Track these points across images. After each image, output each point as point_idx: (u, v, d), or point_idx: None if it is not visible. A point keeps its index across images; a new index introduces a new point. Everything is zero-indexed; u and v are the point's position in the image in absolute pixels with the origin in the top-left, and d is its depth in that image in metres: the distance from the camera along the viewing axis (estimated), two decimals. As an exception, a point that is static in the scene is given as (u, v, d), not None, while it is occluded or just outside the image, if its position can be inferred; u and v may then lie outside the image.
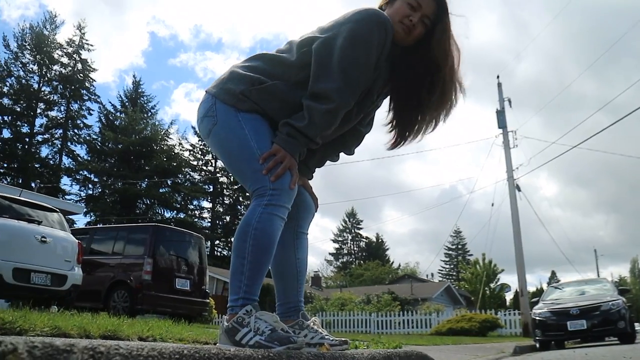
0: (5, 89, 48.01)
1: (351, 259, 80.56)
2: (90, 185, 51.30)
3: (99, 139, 52.73)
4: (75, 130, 52.07)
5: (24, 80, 49.11)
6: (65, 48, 51.78)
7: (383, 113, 2.76)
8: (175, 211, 53.95)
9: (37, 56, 49.66)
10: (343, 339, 2.57)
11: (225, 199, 57.93)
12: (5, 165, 47.41)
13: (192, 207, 56.07)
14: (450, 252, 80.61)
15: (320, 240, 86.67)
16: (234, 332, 2.17)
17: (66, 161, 51.30)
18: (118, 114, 54.36)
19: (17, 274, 8.46)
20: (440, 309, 26.37)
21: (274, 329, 2.14)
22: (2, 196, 9.27)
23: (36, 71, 50.05)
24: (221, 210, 57.71)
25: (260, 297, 2.29)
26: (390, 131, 2.70)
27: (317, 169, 2.86)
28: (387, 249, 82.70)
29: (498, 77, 22.55)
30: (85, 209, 45.75)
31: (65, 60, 51.80)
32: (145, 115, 54.85)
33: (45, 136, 50.67)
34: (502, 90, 22.32)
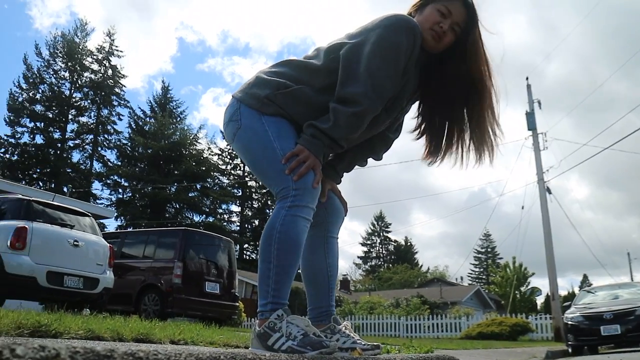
0: (38, 96, 48.97)
1: (380, 263, 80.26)
2: (120, 190, 51.99)
3: (129, 144, 53.40)
4: (106, 136, 52.86)
5: (55, 87, 50.02)
6: (95, 55, 52.66)
7: (411, 120, 2.74)
8: (204, 215, 54.38)
9: (69, 63, 50.54)
10: (375, 344, 2.56)
11: (253, 202, 58.20)
12: (38, 170, 48.27)
13: (221, 211, 56.45)
14: (479, 255, 79.84)
15: (349, 243, 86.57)
16: (266, 337, 2.17)
17: (97, 166, 52.15)
18: (147, 119, 55.00)
19: (51, 277, 8.59)
20: (469, 312, 26.16)
21: (306, 333, 2.14)
22: (36, 201, 9.43)
23: (67, 78, 50.92)
24: (250, 214, 57.98)
25: (289, 300, 2.28)
26: (418, 138, 2.68)
27: (345, 174, 2.85)
28: (416, 252, 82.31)
29: (527, 78, 22.28)
30: (115, 213, 46.40)
31: (95, 66, 52.68)
32: (174, 120, 55.35)
33: (77, 142, 51.52)
34: (531, 92, 22.04)
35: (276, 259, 2.24)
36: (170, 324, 5.41)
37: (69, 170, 49.33)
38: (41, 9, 78.38)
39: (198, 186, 52.20)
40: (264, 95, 2.39)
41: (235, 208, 57.97)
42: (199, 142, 55.21)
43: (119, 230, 28.27)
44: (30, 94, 48.79)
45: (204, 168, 53.83)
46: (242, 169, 56.92)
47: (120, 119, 53.79)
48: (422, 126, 2.67)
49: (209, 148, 56.19)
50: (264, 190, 54.78)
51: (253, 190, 57.16)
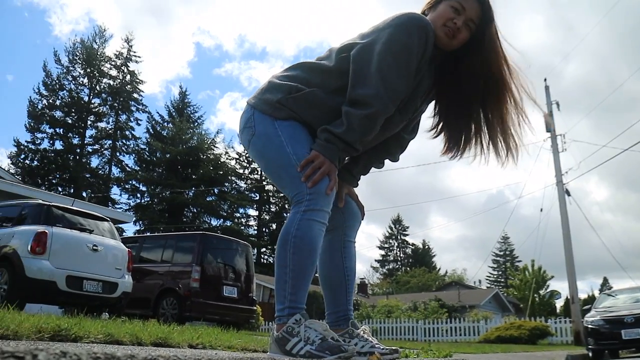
0: (57, 102, 49.51)
1: (397, 266, 79.97)
2: (138, 195, 52.33)
3: (147, 149, 53.76)
4: (124, 141, 53.26)
5: (74, 94, 50.52)
6: (114, 61, 53.12)
7: (427, 119, 2.72)
8: (222, 219, 54.53)
9: (87, 69, 51.04)
10: (393, 348, 2.55)
11: (271, 206, 58.30)
12: (57, 176, 48.75)
13: (238, 215, 56.58)
14: (498, 258, 79.24)
15: (366, 247, 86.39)
16: (284, 341, 2.17)
17: (115, 171, 52.52)
18: (165, 124, 55.30)
19: (70, 282, 8.67)
20: (488, 316, 25.97)
21: (324, 337, 2.13)
22: (56, 206, 9.52)
23: (86, 84, 51.43)
24: (267, 217, 58.08)
25: (307, 304, 2.28)
26: (435, 136, 2.65)
27: (362, 177, 2.84)
28: (434, 255, 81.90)
29: (545, 79, 22.16)
30: (134, 218, 46.66)
31: (114, 72, 53.14)
32: (192, 125, 55.60)
33: (95, 147, 51.96)
34: (549, 93, 21.92)
35: (292, 263, 2.24)
36: (188, 328, 5.43)
37: (87, 176, 49.75)
38: (60, 16, 79.32)
39: (216, 190, 52.43)
40: (276, 100, 2.39)
41: (252, 212, 58.13)
42: (217, 147, 55.48)
43: (137, 235, 28.51)
44: (50, 101, 49.34)
45: (221, 172, 54.00)
46: (259, 173, 57.01)
47: (139, 124, 54.21)
48: (439, 125, 2.64)
49: (227, 152, 56.42)
50: (281, 194, 54.72)
51: (270, 194, 57.24)
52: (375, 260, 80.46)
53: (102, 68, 51.99)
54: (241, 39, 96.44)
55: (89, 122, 51.24)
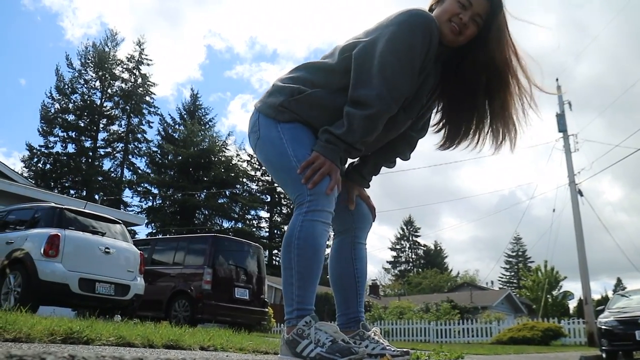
0: (70, 106, 49.85)
1: (409, 267, 79.83)
2: (150, 197, 52.53)
3: (159, 151, 53.99)
4: (136, 144, 53.59)
5: (87, 97, 50.91)
6: (125, 64, 53.47)
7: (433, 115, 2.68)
8: (233, 221, 54.68)
9: (99, 73, 51.43)
10: (404, 350, 2.54)
11: (282, 208, 58.33)
12: (70, 178, 49.06)
13: (250, 217, 56.71)
14: (510, 259, 78.89)
15: (378, 248, 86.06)
16: (294, 344, 2.17)
17: (127, 174, 52.83)
18: (177, 126, 55.56)
19: (83, 284, 8.71)
20: (500, 317, 25.88)
21: (335, 340, 2.12)
22: (68, 209, 9.58)
23: (98, 87, 51.81)
24: (279, 219, 58.12)
25: (319, 305, 2.28)
26: (437, 131, 2.63)
27: (373, 177, 2.81)
28: (446, 256, 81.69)
29: (557, 79, 22.02)
30: (146, 220, 46.90)
31: (125, 75, 53.51)
32: (203, 127, 55.78)
33: (108, 150, 52.35)
34: (561, 94, 21.77)
35: (297, 265, 2.24)
36: (199, 330, 5.44)
37: (100, 179, 50.06)
38: (72, 20, 79.81)
39: (227, 192, 52.56)
40: (279, 103, 2.38)
41: (264, 214, 58.24)
42: (228, 149, 55.63)
43: (149, 237, 28.59)
44: (62, 104, 49.72)
45: (232, 174, 54.15)
46: (270, 175, 56.97)
47: (151, 127, 54.54)
48: (443, 120, 2.61)
49: (238, 154, 56.53)
50: (293, 196, 54.71)
51: (282, 196, 57.26)
52: (387, 262, 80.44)
53: (114, 71, 52.35)
54: (252, 41, 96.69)
55: (101, 125, 51.65)
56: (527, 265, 65.65)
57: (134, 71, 53.69)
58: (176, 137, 54.17)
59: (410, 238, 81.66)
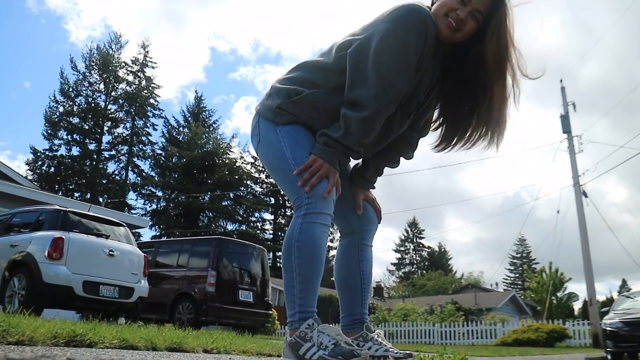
0: (74, 109, 49.95)
1: (413, 269, 79.69)
2: (154, 200, 52.58)
3: (163, 154, 54.05)
4: (140, 146, 53.65)
5: (91, 100, 50.98)
6: (130, 66, 53.57)
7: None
8: (237, 223, 54.65)
9: (104, 75, 51.51)
10: (407, 352, 2.53)
11: (286, 210, 58.28)
12: (74, 181, 49.15)
13: (254, 219, 56.63)
14: (515, 260, 78.75)
15: (382, 250, 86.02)
16: (297, 346, 2.17)
17: (132, 176, 52.89)
18: (181, 129, 55.60)
19: (87, 287, 8.73)
20: (505, 319, 25.82)
21: (337, 342, 2.12)
22: (72, 212, 9.59)
23: (103, 90, 51.92)
24: (283, 222, 58.06)
25: (323, 308, 2.28)
26: (434, 130, 2.59)
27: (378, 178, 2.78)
28: (450, 258, 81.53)
29: (561, 80, 22.00)
30: (150, 223, 46.90)
31: (130, 78, 53.57)
32: (207, 129, 55.82)
33: (112, 152, 52.42)
34: (565, 94, 21.72)
35: (298, 267, 2.24)
36: (203, 333, 5.44)
37: (104, 181, 50.15)
38: (77, 23, 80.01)
39: (231, 195, 52.53)
40: (276, 105, 2.38)
41: (268, 216, 58.19)
42: (232, 151, 55.56)
43: (153, 240, 28.60)
44: (67, 107, 49.79)
45: (237, 177, 54.15)
46: (274, 177, 56.93)
47: (155, 129, 54.57)
48: (440, 118, 2.57)
49: (242, 157, 56.42)
50: (297, 198, 54.67)
51: (286, 198, 57.04)
52: (391, 264, 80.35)
53: (118, 74, 52.43)
54: (256, 43, 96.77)
55: (105, 128, 51.73)
56: (531, 266, 65.57)
57: (139, 74, 53.78)
58: (180, 139, 54.21)
59: (415, 240, 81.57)
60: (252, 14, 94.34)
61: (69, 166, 48.75)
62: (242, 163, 56.10)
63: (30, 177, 41.70)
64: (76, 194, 47.24)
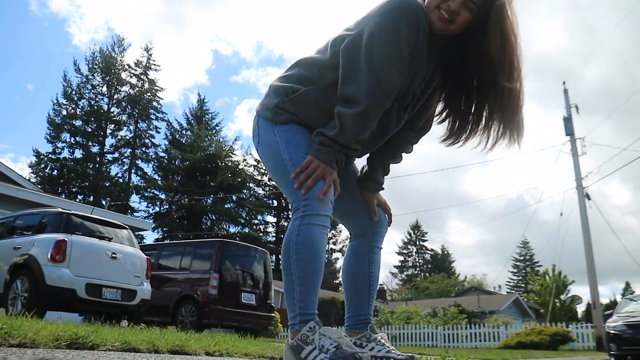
0: (77, 111, 50.06)
1: (416, 272, 79.61)
2: (157, 202, 52.64)
3: (166, 156, 54.11)
4: (143, 149, 53.69)
5: (94, 102, 51.07)
6: (133, 69, 53.62)
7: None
8: (240, 226, 54.64)
9: (107, 78, 51.60)
10: (410, 354, 2.51)
11: (289, 213, 58.26)
12: (77, 184, 49.24)
13: (256, 221, 56.68)
14: (518, 263, 78.66)
15: (385, 252, 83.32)
16: (298, 349, 2.15)
17: (135, 179, 52.95)
18: (184, 131, 55.67)
19: (90, 289, 8.73)
20: (508, 321, 25.80)
21: (339, 345, 2.11)
22: (75, 214, 9.60)
23: (106, 93, 51.96)
24: (285, 224, 57.91)
25: (326, 310, 2.27)
26: (440, 122, 2.54)
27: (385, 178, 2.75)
28: (453, 261, 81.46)
29: (564, 83, 21.97)
30: (153, 225, 46.97)
31: (133, 81, 53.63)
32: (210, 132, 55.90)
33: (115, 155, 52.44)
34: (568, 97, 21.71)
35: (297, 270, 2.22)
36: (205, 335, 5.43)
37: (107, 184, 50.21)
38: (80, 26, 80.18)
39: (234, 197, 52.55)
40: (274, 104, 2.36)
41: (271, 219, 58.20)
42: (235, 154, 55.58)
43: (156, 242, 28.61)
44: (70, 110, 49.90)
45: (239, 179, 54.16)
46: (277, 179, 56.94)
47: (158, 132, 54.64)
48: (445, 111, 2.52)
49: (245, 159, 56.44)
50: (300, 201, 54.67)
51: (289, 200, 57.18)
52: (394, 266, 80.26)
53: (121, 76, 52.53)
54: (258, 46, 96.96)
55: (108, 131, 51.82)
56: (534, 269, 65.54)
57: (142, 76, 53.87)
58: (183, 142, 54.27)
59: (418, 242, 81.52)
60: (254, 16, 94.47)
61: (72, 169, 48.82)
62: (245, 165, 56.18)
63: (33, 180, 41.71)
64: (79, 197, 47.31)
